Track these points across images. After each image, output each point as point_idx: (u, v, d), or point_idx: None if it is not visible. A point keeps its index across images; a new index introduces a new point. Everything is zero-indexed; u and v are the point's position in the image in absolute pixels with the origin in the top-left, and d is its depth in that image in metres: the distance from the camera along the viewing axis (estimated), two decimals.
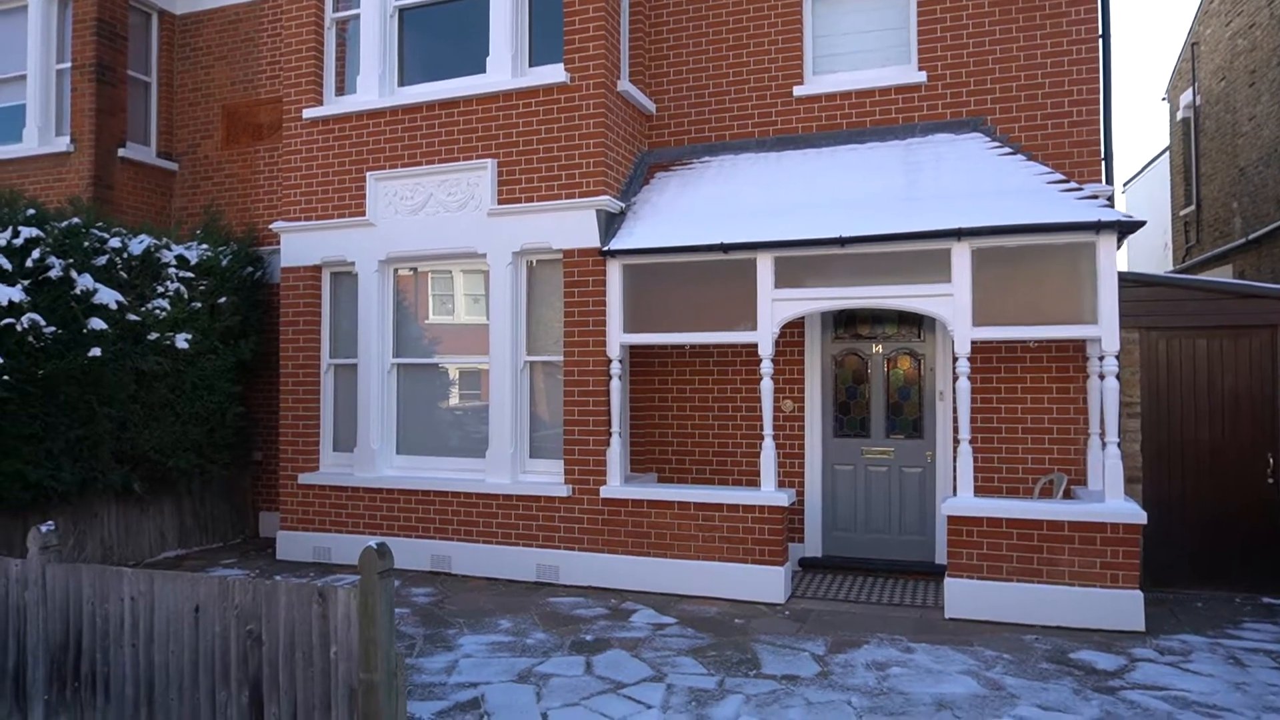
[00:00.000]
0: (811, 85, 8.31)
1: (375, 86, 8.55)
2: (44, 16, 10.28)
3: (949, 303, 6.79)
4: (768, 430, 7.31)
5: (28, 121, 10.27)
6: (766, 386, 7.29)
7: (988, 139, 7.57)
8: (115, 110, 10.04)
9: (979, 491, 7.28)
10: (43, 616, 4.27)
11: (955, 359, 6.84)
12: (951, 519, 6.71)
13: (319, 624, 3.63)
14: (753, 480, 8.24)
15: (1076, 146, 7.50)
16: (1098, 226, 6.33)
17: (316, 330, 8.89)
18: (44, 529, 4.30)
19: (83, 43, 9.91)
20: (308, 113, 8.74)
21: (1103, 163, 7.42)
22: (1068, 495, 7.20)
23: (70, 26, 10.12)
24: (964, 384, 6.76)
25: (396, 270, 8.71)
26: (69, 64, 10.12)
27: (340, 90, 9.00)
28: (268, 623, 3.75)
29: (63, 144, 9.98)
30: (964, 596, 6.61)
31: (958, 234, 6.63)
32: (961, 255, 6.75)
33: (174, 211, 10.67)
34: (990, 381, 7.61)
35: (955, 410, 7.58)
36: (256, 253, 9.93)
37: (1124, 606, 6.25)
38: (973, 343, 6.80)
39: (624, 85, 8.08)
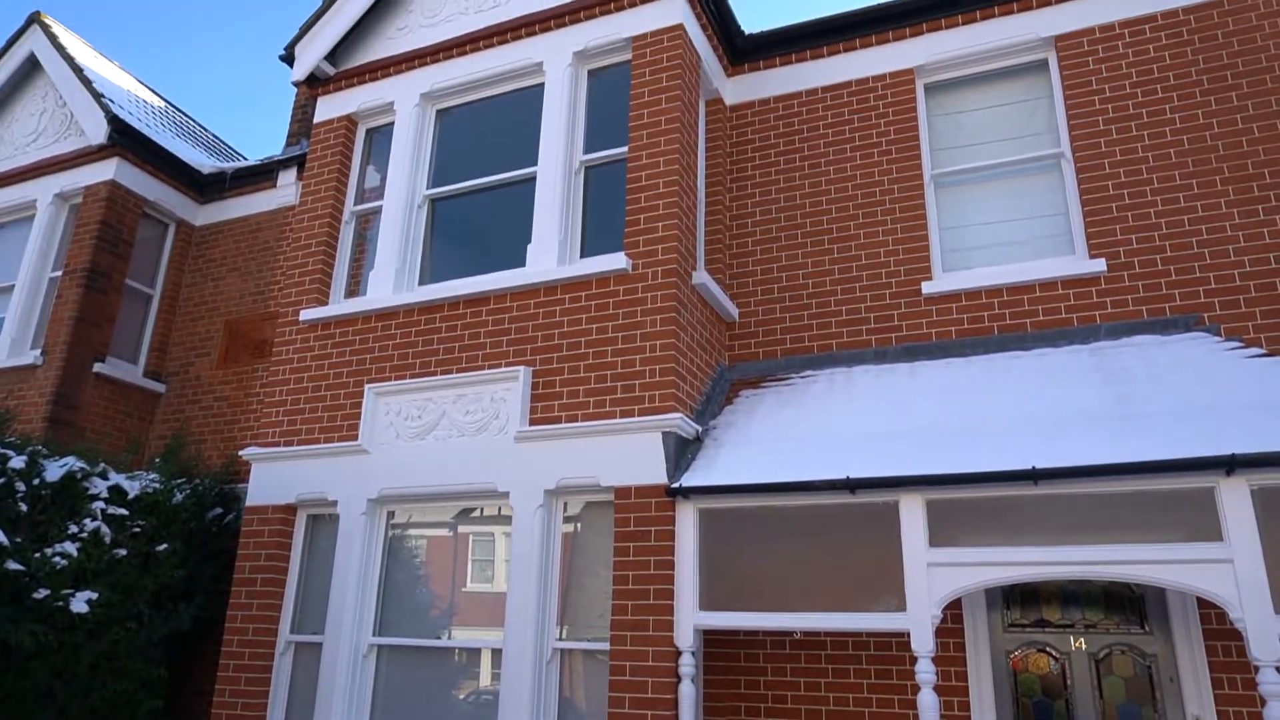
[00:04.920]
0: (943, 282, 6.40)
1: (390, 283, 6.89)
2: (49, 223, 9.22)
3: (1225, 573, 4.25)
4: None
5: (3, 332, 8.86)
6: (928, 702, 4.60)
7: (1216, 339, 5.40)
8: (101, 321, 8.59)
9: None
10: None
11: (1255, 669, 4.16)
12: None
13: None
14: None
15: None
16: None
17: (279, 594, 6.56)
18: None
19: (80, 246, 8.70)
20: (305, 314, 7.06)
21: None
22: None
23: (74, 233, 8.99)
24: (1278, 714, 4.03)
25: (391, 514, 6.51)
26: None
27: (354, 293, 7.40)
28: None
29: (32, 356, 8.44)
30: None
31: (1228, 464, 4.25)
32: (1237, 498, 4.31)
33: (150, 440, 8.86)
34: None
35: None
36: (232, 491, 7.89)
37: None
38: None
39: (700, 278, 6.26)
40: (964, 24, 6.86)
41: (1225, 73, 6.06)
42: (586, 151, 6.71)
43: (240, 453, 7.05)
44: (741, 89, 7.51)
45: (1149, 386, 5.05)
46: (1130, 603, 5.42)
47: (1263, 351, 5.20)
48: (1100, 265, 5.95)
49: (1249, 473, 4.29)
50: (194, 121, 11.00)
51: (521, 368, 6.08)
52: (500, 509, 6.21)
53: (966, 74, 6.93)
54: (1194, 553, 4.34)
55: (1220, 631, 5.04)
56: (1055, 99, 6.57)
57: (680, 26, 6.51)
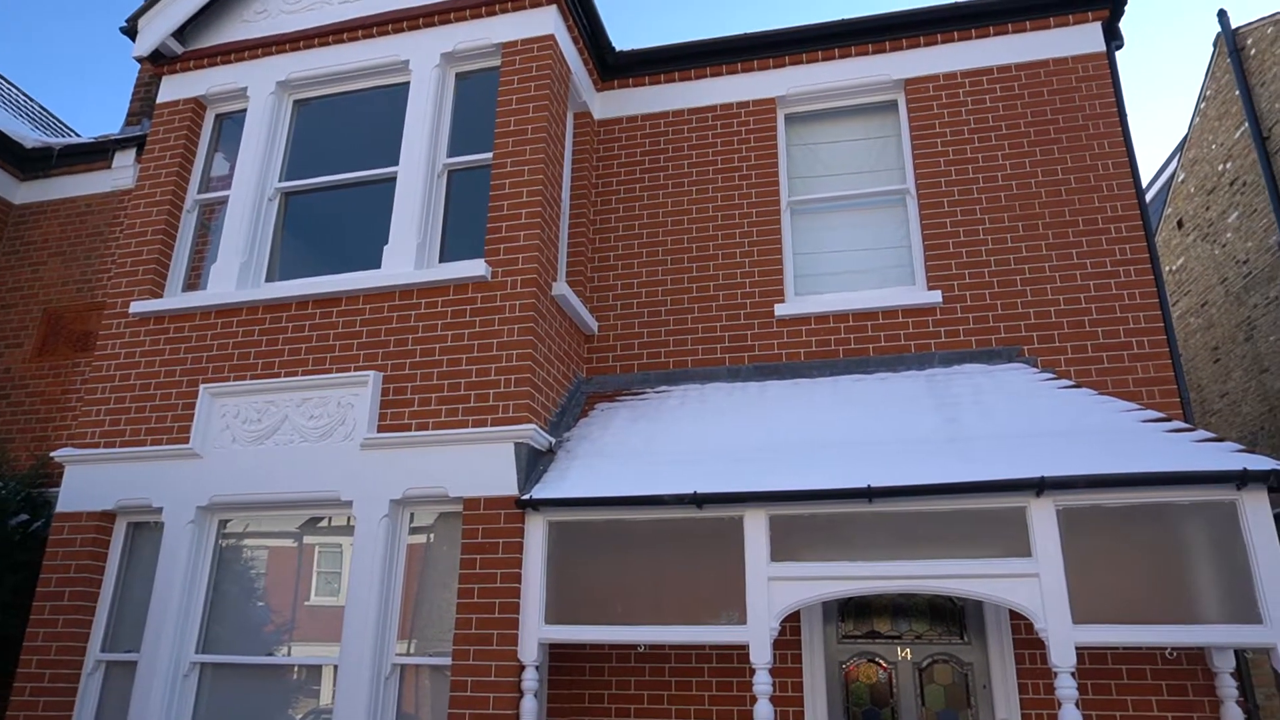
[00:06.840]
0: (796, 305, 6.66)
1: (233, 278, 6.50)
2: None
3: (1032, 586, 4.60)
4: None
5: None
6: (764, 713, 4.74)
7: (1034, 370, 5.86)
8: None
9: None
10: None
11: (1054, 674, 4.51)
12: None
13: None
14: None
15: (1144, 385, 5.83)
16: (1242, 478, 4.42)
17: (90, 609, 6.03)
18: None
19: None
20: (137, 306, 6.56)
21: (1182, 404, 5.73)
22: None
23: None
24: (1071, 715, 4.38)
25: (224, 523, 6.12)
26: None
27: (193, 287, 6.93)
28: None
29: None
30: None
31: (1038, 486, 4.61)
32: (1044, 517, 4.68)
33: None
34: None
35: None
36: (42, 496, 7.21)
37: None
38: (1078, 649, 4.53)
39: (560, 289, 6.25)
40: (823, 60, 7.18)
41: (1049, 127, 6.62)
42: (450, 155, 6.58)
43: (53, 454, 6.46)
44: (610, 104, 7.58)
45: (974, 412, 5.42)
46: (952, 614, 5.78)
47: (1072, 383, 5.68)
48: (937, 297, 6.34)
49: (1055, 494, 4.67)
50: (18, 90, 10.06)
51: (371, 372, 5.88)
52: (349, 519, 5.96)
53: (824, 108, 7.26)
54: (1007, 568, 4.68)
55: (1028, 641, 5.45)
56: (903, 138, 6.98)
57: (551, 37, 6.51)
